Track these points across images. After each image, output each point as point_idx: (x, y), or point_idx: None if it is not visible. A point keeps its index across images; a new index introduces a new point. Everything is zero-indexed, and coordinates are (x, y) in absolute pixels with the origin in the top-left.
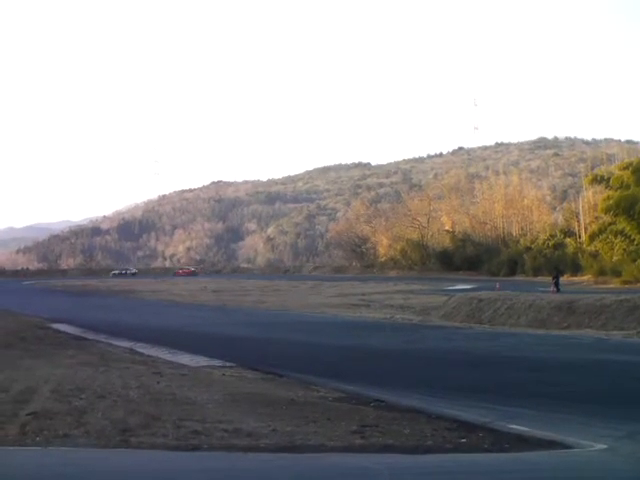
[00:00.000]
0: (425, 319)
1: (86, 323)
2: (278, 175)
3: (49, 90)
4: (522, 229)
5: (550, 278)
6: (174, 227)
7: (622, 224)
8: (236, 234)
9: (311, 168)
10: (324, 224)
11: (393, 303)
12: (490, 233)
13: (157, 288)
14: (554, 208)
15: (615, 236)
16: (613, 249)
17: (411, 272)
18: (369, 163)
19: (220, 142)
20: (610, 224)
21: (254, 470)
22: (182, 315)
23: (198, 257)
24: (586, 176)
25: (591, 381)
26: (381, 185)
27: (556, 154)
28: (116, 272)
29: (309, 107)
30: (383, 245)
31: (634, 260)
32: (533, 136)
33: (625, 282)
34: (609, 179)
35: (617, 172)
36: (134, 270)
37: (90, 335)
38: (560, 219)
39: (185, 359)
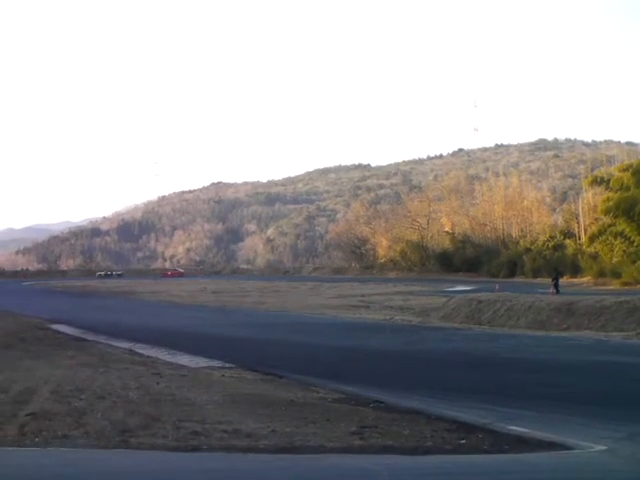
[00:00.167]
0: (425, 320)
1: (86, 324)
2: (278, 176)
3: (49, 91)
4: (522, 230)
5: (550, 279)
6: (174, 228)
7: (622, 226)
8: (236, 235)
9: (311, 169)
10: (324, 225)
11: (393, 304)
12: (490, 234)
13: (157, 289)
14: (554, 209)
15: (615, 238)
16: (613, 250)
17: (411, 273)
18: (369, 164)
19: (220, 143)
20: (610, 226)
21: (253, 471)
22: (181, 316)
23: (198, 258)
24: (586, 178)
25: (591, 382)
26: (381, 186)
27: (556, 155)
28: (102, 273)
29: (309, 108)
30: (383, 246)
31: (634, 261)
32: (533, 137)
33: (625, 283)
34: (609, 181)
35: (617, 174)
36: (120, 272)
37: (90, 336)
38: (560, 220)
39: (185, 360)
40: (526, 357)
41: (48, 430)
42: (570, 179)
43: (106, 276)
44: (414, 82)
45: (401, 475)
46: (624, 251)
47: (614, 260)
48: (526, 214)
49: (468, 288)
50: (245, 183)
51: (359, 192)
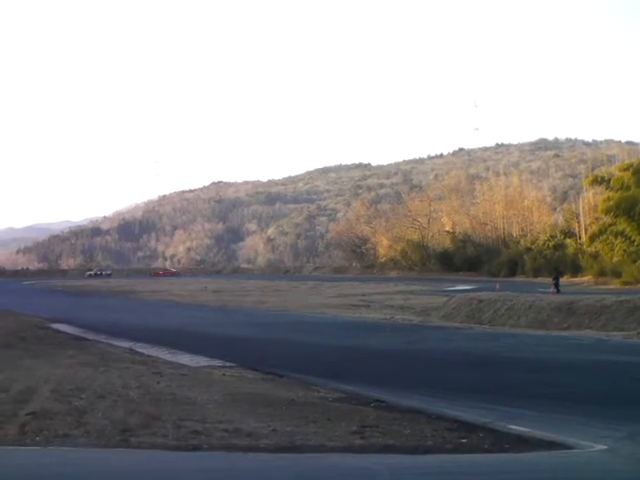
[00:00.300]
0: (425, 320)
1: (86, 323)
2: (278, 176)
3: (49, 90)
4: (522, 230)
5: (550, 279)
6: (174, 227)
7: (622, 225)
8: (236, 235)
9: (311, 169)
10: (324, 225)
11: (393, 304)
12: (490, 234)
13: (157, 288)
14: (554, 209)
15: (615, 237)
16: (613, 250)
17: (411, 273)
18: (369, 164)
19: (220, 142)
20: (610, 225)
21: (254, 470)
22: (182, 315)
23: (198, 257)
24: (586, 177)
25: (591, 382)
26: (381, 186)
27: (556, 155)
28: (91, 272)
29: (309, 108)
30: (383, 246)
31: (634, 261)
32: (533, 137)
33: (625, 283)
34: (609, 180)
35: (617, 173)
36: (109, 271)
37: (90, 335)
38: (560, 220)
39: (185, 359)
40: (527, 356)
41: (49, 429)
42: (570, 179)
43: (95, 275)
44: (415, 81)
45: (402, 474)
46: (624, 250)
47: (614, 259)
48: (527, 213)
49: (469, 287)
50: (245, 182)
51: (360, 191)
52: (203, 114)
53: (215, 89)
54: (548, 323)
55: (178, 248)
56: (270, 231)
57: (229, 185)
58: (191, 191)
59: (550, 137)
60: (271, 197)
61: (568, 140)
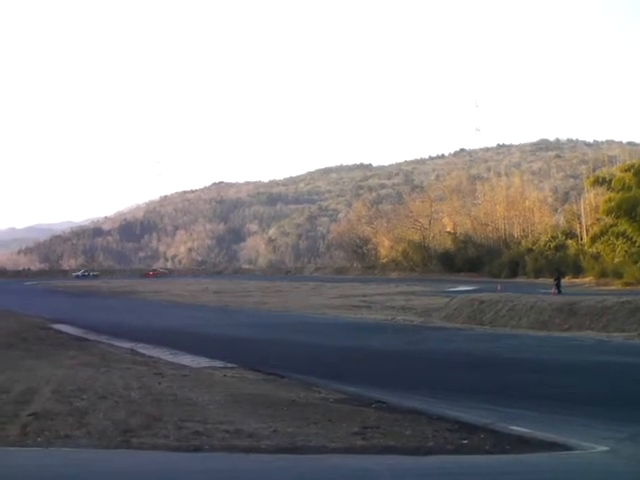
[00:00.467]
0: (426, 320)
1: (87, 324)
2: (280, 176)
3: (51, 90)
4: (523, 231)
5: (551, 280)
6: (176, 228)
7: (624, 226)
8: (237, 235)
9: (313, 169)
10: (325, 225)
11: (394, 304)
12: (491, 235)
13: (158, 289)
14: (556, 210)
15: (617, 238)
16: (614, 251)
17: (412, 273)
18: (371, 164)
19: (222, 143)
20: (612, 226)
21: (255, 471)
22: (183, 316)
23: (200, 258)
24: (588, 178)
25: (592, 383)
26: (383, 186)
27: (558, 156)
28: (79, 274)
29: (311, 108)
30: (384, 246)
31: (635, 262)
32: (535, 138)
33: (626, 284)
34: (611, 181)
35: (619, 174)
36: (96, 272)
37: (91, 336)
38: (562, 221)
39: (186, 360)
40: (528, 357)
41: (50, 430)
42: (572, 179)
43: (83, 276)
44: (416, 82)
45: (403, 475)
46: (626, 251)
47: (616, 260)
48: (528, 214)
49: (470, 288)
50: (247, 183)
51: (361, 192)
52: (204, 114)
53: (216, 89)
54: (549, 324)
55: (179, 248)
56: (271, 232)
57: (230, 185)
58: (192, 191)
59: (551, 138)
60: (272, 197)
61: (569, 141)
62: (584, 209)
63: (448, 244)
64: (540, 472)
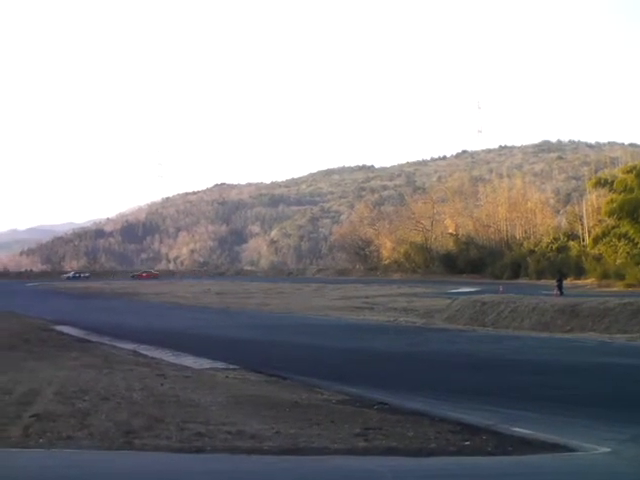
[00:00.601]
0: (429, 322)
1: (89, 325)
2: (282, 178)
3: (52, 93)
4: (525, 232)
5: (553, 281)
6: (178, 229)
7: (626, 227)
8: (239, 237)
9: (315, 171)
10: (328, 227)
11: (397, 306)
12: (493, 236)
13: (161, 290)
14: (558, 211)
15: (619, 239)
16: (617, 252)
17: (415, 275)
18: (373, 166)
19: (224, 145)
20: (614, 227)
21: (258, 472)
22: (185, 317)
23: (202, 259)
24: (590, 179)
25: (594, 384)
26: (385, 188)
27: (560, 157)
28: (70, 275)
29: (313, 110)
30: (387, 248)
31: (637, 263)
32: (537, 139)
33: (629, 285)
34: (613, 182)
35: (621, 175)
36: (87, 274)
37: (94, 337)
38: (564, 222)
39: (189, 361)
40: (530, 359)
41: (52, 431)
42: (574, 181)
43: (74, 277)
44: (418, 83)
45: (405, 476)
46: (628, 253)
47: (618, 262)
48: (530, 216)
49: (472, 290)
50: (249, 184)
51: (363, 193)
52: (206, 116)
53: (218, 91)
54: (551, 325)
55: (181, 250)
56: (273, 233)
57: (232, 187)
58: (194, 193)
59: (553, 139)
60: (274, 199)
61: (571, 142)
62: (586, 211)
63: (450, 246)
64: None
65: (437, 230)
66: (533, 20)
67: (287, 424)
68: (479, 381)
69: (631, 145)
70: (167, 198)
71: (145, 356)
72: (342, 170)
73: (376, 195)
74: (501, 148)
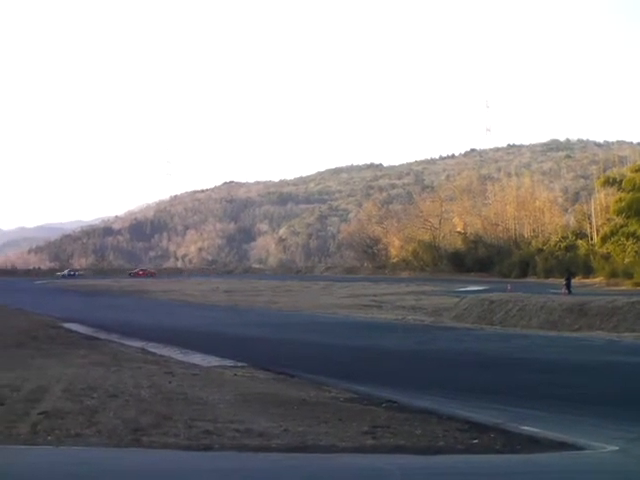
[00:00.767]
0: (437, 320)
1: (98, 323)
2: (290, 176)
3: (61, 91)
4: (534, 231)
5: (562, 280)
6: (186, 227)
7: (634, 226)
8: (248, 235)
9: (323, 169)
10: (336, 225)
11: (405, 304)
12: (502, 235)
13: (169, 288)
14: (566, 210)
15: (627, 238)
16: (625, 251)
17: (423, 273)
18: (381, 164)
19: (232, 143)
20: (622, 226)
21: (265, 470)
22: (194, 315)
23: (210, 257)
24: (598, 178)
25: (603, 383)
26: (393, 186)
27: (568, 156)
28: (65, 273)
29: (321, 108)
30: (395, 246)
31: None
32: (545, 138)
33: (637, 284)
34: (621, 181)
35: (629, 174)
36: (82, 272)
37: (102, 335)
38: (572, 221)
39: (197, 359)
40: (538, 357)
41: (60, 429)
42: (582, 179)
43: (69, 276)
44: (426, 82)
45: (413, 475)
46: (636, 252)
47: (626, 261)
48: (538, 214)
49: (480, 288)
50: (257, 182)
51: (371, 192)
52: (215, 114)
53: (227, 90)
54: (559, 324)
55: (190, 248)
56: (282, 231)
57: (241, 185)
58: (203, 191)
59: (562, 138)
60: (283, 197)
61: (580, 141)
62: (594, 209)
63: (458, 244)
64: (550, 472)
65: (445, 228)
66: (542, 19)
67: (295, 422)
68: (487, 379)
69: None
70: (175, 196)
71: (153, 354)
72: (350, 168)
73: (384, 193)
74: (510, 147)
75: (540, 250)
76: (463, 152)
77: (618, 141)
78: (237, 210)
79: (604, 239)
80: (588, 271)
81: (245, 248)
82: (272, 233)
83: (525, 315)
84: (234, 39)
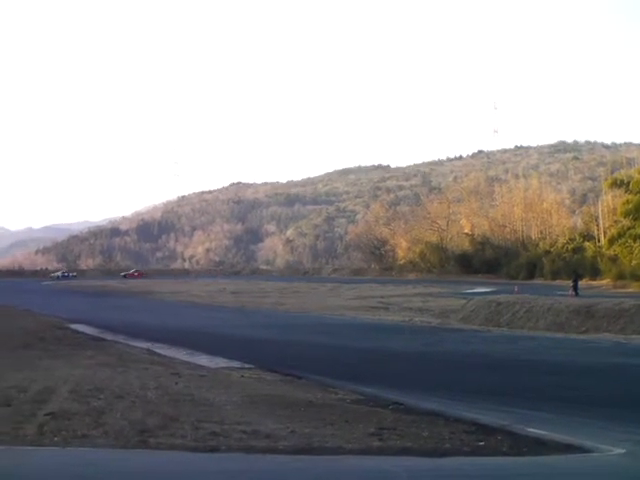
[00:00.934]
0: (444, 322)
1: (104, 324)
2: (297, 177)
3: (69, 92)
4: (541, 232)
5: (569, 282)
6: (193, 228)
7: None
8: (255, 236)
9: (331, 170)
10: (343, 226)
11: (412, 306)
12: (509, 236)
13: (176, 289)
14: (573, 212)
15: (634, 240)
16: (632, 253)
17: (430, 275)
18: (389, 165)
19: (240, 144)
20: (629, 228)
21: (272, 472)
22: (201, 316)
23: (217, 258)
24: (606, 180)
25: (609, 385)
26: (400, 188)
27: (576, 158)
28: (59, 274)
29: (329, 109)
30: (402, 248)
31: None
32: (553, 139)
33: None
34: (629, 183)
35: (637, 176)
36: (74, 273)
37: (108, 336)
38: (579, 223)
39: (203, 360)
40: (545, 359)
41: (67, 429)
42: (590, 181)
43: (63, 277)
44: (434, 83)
45: (420, 477)
46: None
47: (633, 263)
48: (545, 216)
49: (487, 290)
50: (264, 184)
51: (379, 193)
52: (222, 115)
53: (235, 91)
54: (567, 326)
55: (197, 249)
56: (289, 232)
57: (248, 186)
58: (210, 192)
59: (569, 139)
60: (290, 198)
61: (587, 142)
62: (602, 211)
63: (466, 246)
64: (557, 474)
65: (453, 230)
66: (550, 21)
67: (302, 423)
68: (494, 381)
69: None
70: (183, 197)
71: (160, 355)
72: (358, 170)
73: (392, 195)
74: (517, 148)
75: (547, 252)
76: (471, 153)
77: (626, 143)
78: (244, 211)
79: (611, 241)
80: (595, 273)
81: (252, 249)
82: (279, 234)
83: (532, 317)
84: (242, 40)
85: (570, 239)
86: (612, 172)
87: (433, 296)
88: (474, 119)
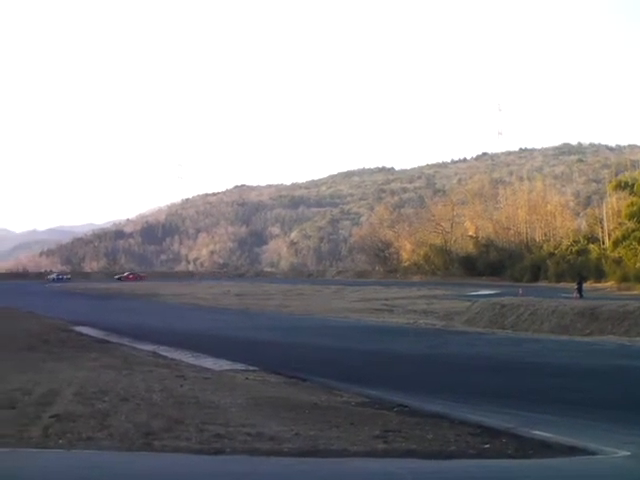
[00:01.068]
0: (448, 324)
1: (109, 326)
2: (302, 179)
3: (73, 94)
4: (545, 235)
5: (573, 284)
6: (197, 231)
7: None
8: (259, 238)
9: (335, 172)
10: (347, 229)
11: (416, 308)
12: (513, 239)
13: (180, 291)
14: (578, 214)
15: (639, 242)
16: (637, 255)
17: (434, 277)
18: (393, 168)
19: (244, 146)
20: (634, 230)
21: (277, 474)
22: (205, 319)
23: (221, 261)
24: (610, 182)
25: (614, 387)
26: (405, 190)
27: (580, 160)
28: (54, 277)
29: (333, 112)
30: (406, 250)
31: None
32: (557, 142)
33: None
34: (633, 185)
35: None
36: (69, 276)
37: (113, 338)
38: (584, 225)
39: (208, 363)
40: (549, 362)
41: (72, 432)
42: (594, 183)
43: (58, 279)
44: (438, 85)
45: (425, 479)
46: None
47: (638, 265)
48: (550, 218)
49: (491, 292)
50: (269, 186)
51: (383, 195)
52: (226, 117)
53: (239, 93)
54: (571, 328)
55: (201, 251)
56: (293, 235)
57: (252, 188)
58: (214, 194)
59: (574, 142)
60: (294, 201)
61: (592, 145)
62: (606, 213)
63: (470, 248)
64: (562, 477)
65: (457, 232)
66: (554, 23)
67: (306, 426)
68: (499, 384)
69: None
70: (187, 199)
71: (165, 357)
72: (362, 172)
73: (396, 197)
74: (521, 150)
75: (552, 254)
76: (475, 156)
77: (630, 145)
78: (249, 213)
79: (616, 243)
80: (600, 275)
81: (256, 251)
82: (284, 236)
83: (536, 319)
84: (246, 43)
85: (574, 241)
86: (616, 174)
87: (437, 298)
88: (478, 121)
